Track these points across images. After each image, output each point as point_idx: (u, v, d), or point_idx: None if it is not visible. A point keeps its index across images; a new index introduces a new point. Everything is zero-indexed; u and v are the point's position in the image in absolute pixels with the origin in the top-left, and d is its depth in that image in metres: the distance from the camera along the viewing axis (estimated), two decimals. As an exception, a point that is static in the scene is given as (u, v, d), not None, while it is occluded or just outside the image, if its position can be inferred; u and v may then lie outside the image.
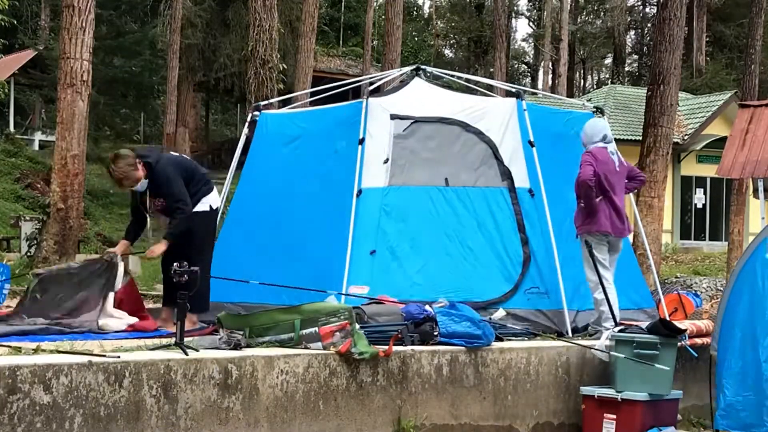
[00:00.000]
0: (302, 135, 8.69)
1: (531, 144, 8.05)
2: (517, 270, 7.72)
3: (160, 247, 6.95)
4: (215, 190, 7.39)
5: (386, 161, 7.92)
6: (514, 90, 8.54)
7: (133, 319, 6.86)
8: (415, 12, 49.07)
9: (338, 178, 8.02)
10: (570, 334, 7.34)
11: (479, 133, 8.12)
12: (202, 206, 7.14)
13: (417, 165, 8.02)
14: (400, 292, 7.22)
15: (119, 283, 6.96)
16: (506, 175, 8.02)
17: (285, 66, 18.96)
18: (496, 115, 8.25)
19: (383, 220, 7.75)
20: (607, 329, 7.03)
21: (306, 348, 5.28)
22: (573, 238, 8.02)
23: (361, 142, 7.91)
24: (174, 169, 6.99)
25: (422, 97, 8.49)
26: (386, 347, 5.51)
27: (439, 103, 8.35)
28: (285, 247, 8.23)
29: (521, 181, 8.02)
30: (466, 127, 8.14)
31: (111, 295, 6.87)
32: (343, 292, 7.14)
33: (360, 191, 7.73)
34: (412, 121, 8.09)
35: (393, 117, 8.10)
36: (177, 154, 7.38)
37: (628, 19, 46.40)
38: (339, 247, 7.51)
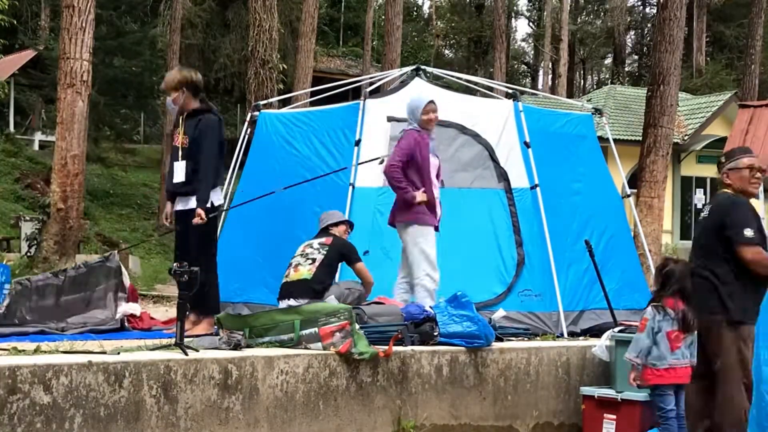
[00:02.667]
0: (301, 135, 8.69)
1: (527, 145, 8.05)
2: (510, 272, 7.70)
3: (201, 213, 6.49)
4: (219, 188, 6.95)
5: (381, 162, 7.91)
6: (511, 91, 8.55)
7: (135, 307, 6.97)
8: (415, 12, 49.09)
9: (334, 178, 8.02)
10: (565, 336, 7.34)
11: (476, 135, 8.12)
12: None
13: (413, 166, 8.00)
14: (393, 292, 7.20)
15: (127, 280, 7.18)
16: (503, 176, 8.02)
17: (285, 66, 19.01)
18: (493, 117, 8.25)
19: (378, 220, 7.74)
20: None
21: (306, 348, 5.28)
22: (570, 239, 8.01)
23: (358, 143, 7.92)
24: (220, 135, 6.60)
25: (420, 98, 8.48)
26: (386, 347, 5.50)
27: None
28: (283, 246, 8.23)
29: (519, 181, 8.01)
30: (462, 129, 8.14)
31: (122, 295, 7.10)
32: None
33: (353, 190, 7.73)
34: (409, 123, 8.08)
35: (390, 119, 8.10)
36: None
37: (628, 19, 46.40)
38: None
